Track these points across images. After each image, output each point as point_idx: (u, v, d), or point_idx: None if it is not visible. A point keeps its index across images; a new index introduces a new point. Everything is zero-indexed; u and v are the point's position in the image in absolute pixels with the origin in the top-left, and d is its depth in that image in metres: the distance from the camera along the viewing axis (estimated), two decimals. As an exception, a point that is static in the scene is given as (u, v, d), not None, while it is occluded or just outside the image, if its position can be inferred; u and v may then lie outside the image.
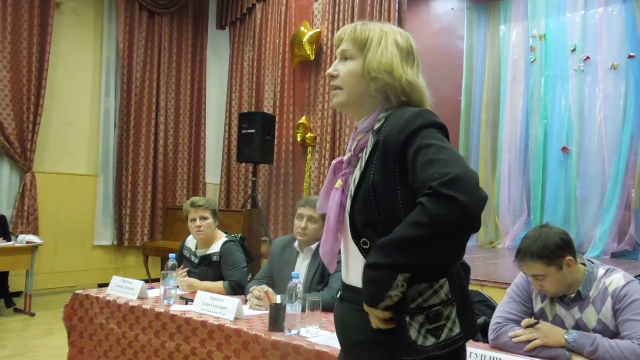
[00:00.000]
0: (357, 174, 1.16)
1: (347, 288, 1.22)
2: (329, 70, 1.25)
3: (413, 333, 1.04)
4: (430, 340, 1.04)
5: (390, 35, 1.21)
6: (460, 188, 0.96)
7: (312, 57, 6.28)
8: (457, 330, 1.06)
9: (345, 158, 1.23)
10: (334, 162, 1.26)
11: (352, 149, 1.21)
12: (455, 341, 1.06)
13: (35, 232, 5.42)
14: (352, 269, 1.20)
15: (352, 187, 1.16)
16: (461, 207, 0.95)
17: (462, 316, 1.08)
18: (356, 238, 1.15)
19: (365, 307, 1.06)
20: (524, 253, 1.80)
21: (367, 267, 1.04)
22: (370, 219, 1.11)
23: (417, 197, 1.01)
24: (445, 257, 1.01)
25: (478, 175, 1.00)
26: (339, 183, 1.20)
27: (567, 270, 1.78)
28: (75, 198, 6.07)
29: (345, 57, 1.23)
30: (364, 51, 1.20)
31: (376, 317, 1.05)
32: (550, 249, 1.75)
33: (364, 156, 1.16)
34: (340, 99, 1.23)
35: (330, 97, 1.28)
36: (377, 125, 1.16)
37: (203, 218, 2.90)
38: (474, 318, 1.16)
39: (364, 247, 1.13)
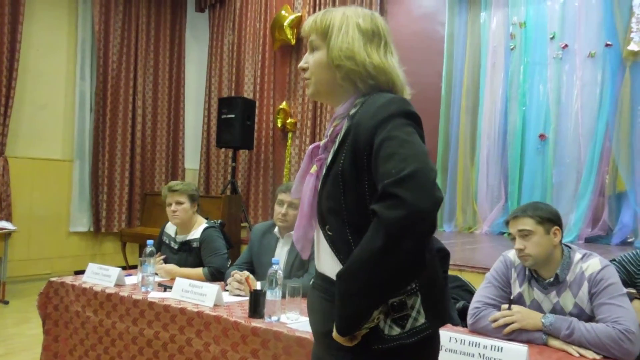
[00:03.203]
0: (328, 158, 1.15)
1: (318, 275, 1.22)
2: (300, 64, 1.24)
3: (380, 323, 1.05)
4: (396, 330, 1.05)
5: (352, 18, 1.18)
6: (412, 186, 0.93)
7: (293, 42, 6.21)
8: (422, 320, 1.06)
9: (321, 143, 1.22)
10: (310, 147, 1.24)
11: (329, 134, 1.20)
12: (421, 330, 1.06)
13: (8, 218, 5.29)
14: (322, 257, 1.19)
15: (323, 173, 1.15)
16: (408, 206, 0.91)
17: (428, 306, 1.07)
18: (322, 224, 1.15)
19: (334, 334, 1.05)
20: (518, 210, 1.92)
21: (342, 299, 1.02)
22: (336, 206, 1.10)
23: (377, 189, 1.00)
24: (407, 266, 0.96)
25: (436, 173, 0.97)
26: (313, 168, 1.19)
27: (552, 238, 1.84)
28: (50, 184, 5.94)
29: (313, 48, 1.22)
30: (327, 39, 1.18)
31: (343, 340, 1.05)
32: (543, 212, 1.86)
33: (337, 141, 1.14)
34: (310, 90, 1.23)
35: None
36: (353, 111, 1.14)
37: (179, 203, 2.87)
38: (445, 308, 1.15)
39: (329, 233, 1.13)
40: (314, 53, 1.21)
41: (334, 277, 1.08)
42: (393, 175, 0.94)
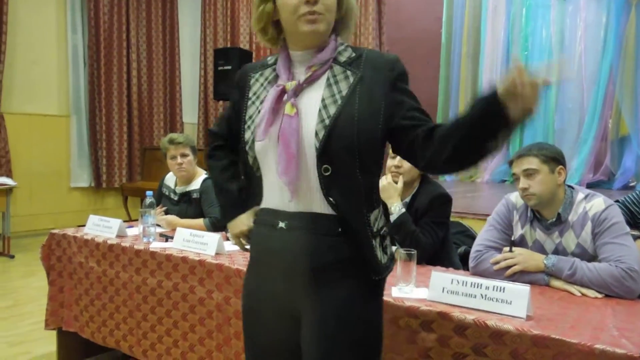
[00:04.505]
0: (328, 101, 1.16)
1: (302, 217, 1.19)
2: None
3: (379, 253, 1.20)
4: (386, 257, 1.23)
5: None
6: None
7: (289, -12, 6.00)
8: (391, 246, 1.29)
9: (289, 86, 1.19)
10: (276, 91, 1.20)
11: (304, 80, 1.19)
12: (393, 255, 1.29)
13: (8, 174, 5.28)
14: (309, 196, 1.17)
15: (324, 114, 1.15)
16: None
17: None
18: (320, 163, 1.14)
19: None
20: (523, 150, 1.90)
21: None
22: (350, 144, 1.15)
23: (407, 121, 1.17)
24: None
25: None
26: (291, 110, 1.16)
27: (556, 177, 1.83)
28: (48, 139, 5.90)
29: None
30: None
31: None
32: (548, 151, 1.85)
33: (338, 86, 1.17)
34: (322, 27, 1.16)
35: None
36: (342, 58, 1.20)
37: (184, 155, 2.84)
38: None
39: (325, 174, 1.14)
40: None
41: (327, 212, 1.16)
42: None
